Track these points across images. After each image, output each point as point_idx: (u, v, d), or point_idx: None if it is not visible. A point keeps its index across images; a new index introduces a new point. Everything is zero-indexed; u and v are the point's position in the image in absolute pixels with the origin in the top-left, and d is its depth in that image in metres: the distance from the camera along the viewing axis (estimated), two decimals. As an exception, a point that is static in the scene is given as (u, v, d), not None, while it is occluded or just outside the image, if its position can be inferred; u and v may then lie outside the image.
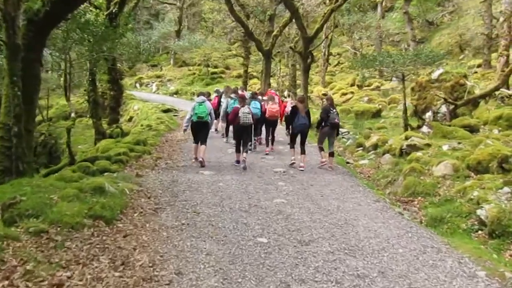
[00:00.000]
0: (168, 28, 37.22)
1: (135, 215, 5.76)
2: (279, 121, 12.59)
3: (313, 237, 5.46)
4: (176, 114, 21.90)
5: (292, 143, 10.15)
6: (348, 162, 12.38)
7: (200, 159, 9.60)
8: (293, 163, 10.01)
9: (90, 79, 18.15)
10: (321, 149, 10.22)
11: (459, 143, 10.62)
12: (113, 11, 17.62)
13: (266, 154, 11.58)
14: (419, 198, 8.53)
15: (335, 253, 4.96)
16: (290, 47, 22.11)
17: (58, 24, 10.03)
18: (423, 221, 7.37)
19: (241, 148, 9.70)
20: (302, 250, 4.97)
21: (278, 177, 9.03)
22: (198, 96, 10.42)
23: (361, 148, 14.10)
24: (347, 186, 8.63)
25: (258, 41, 23.91)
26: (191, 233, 5.28)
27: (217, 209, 6.43)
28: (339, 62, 37.95)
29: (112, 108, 20.17)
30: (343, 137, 15.91)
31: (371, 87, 29.35)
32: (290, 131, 10.39)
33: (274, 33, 24.24)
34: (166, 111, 22.22)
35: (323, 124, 9.92)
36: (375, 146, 13.44)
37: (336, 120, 9.84)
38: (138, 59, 41.95)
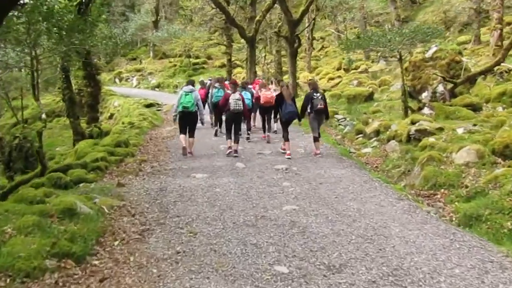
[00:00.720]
0: (144, 19, 35.35)
1: (116, 243, 4.47)
2: None
3: (343, 258, 4.27)
4: (159, 108, 20.46)
5: (285, 133, 9.49)
6: (350, 152, 11.22)
7: (189, 151, 9.47)
8: (289, 154, 9.42)
9: (63, 75, 16.59)
10: (316, 139, 9.68)
11: (474, 125, 9.54)
12: (83, 0, 16.03)
13: (266, 142, 11.40)
14: (442, 190, 7.40)
15: (379, 282, 3.78)
16: (275, 32, 20.80)
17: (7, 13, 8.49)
18: (454, 219, 6.26)
19: (232, 136, 9.33)
20: (335, 282, 3.77)
21: (281, 175, 7.81)
22: (186, 84, 9.84)
23: (361, 135, 12.96)
24: (360, 182, 7.46)
25: (241, 27, 22.46)
26: (189, 266, 4.01)
27: (217, 225, 5.17)
28: (323, 46, 36.70)
29: (90, 106, 18.58)
30: (339, 124, 14.76)
31: (359, 70, 28.21)
32: (280, 121, 10.02)
33: (257, 18, 22.81)
34: (149, 106, 20.76)
35: (308, 111, 9.40)
36: (377, 132, 12.32)
37: (319, 106, 9.20)
38: (116, 52, 40.07)
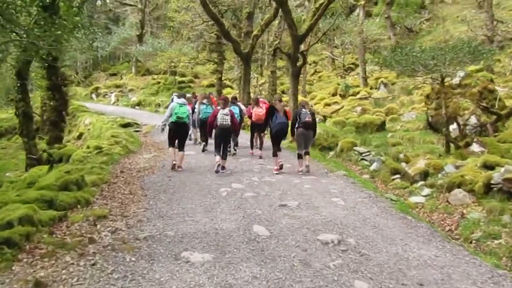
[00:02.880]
0: (128, 33, 31.79)
1: None
2: None
3: None
4: (138, 129, 16.78)
5: (274, 148, 8.99)
6: (391, 199, 7.81)
7: (179, 165, 8.91)
8: (277, 170, 8.87)
9: (18, 83, 12.84)
10: (300, 156, 8.98)
11: None
12: (48, -8, 12.48)
13: (259, 157, 10.70)
14: None
15: None
16: (277, 48, 17.57)
17: None
18: None
19: (220, 152, 8.72)
20: None
21: (339, 259, 4.29)
22: (178, 97, 9.41)
23: (398, 175, 9.65)
24: (463, 268, 4.08)
25: (236, 42, 19.25)
26: None
27: None
28: (316, 71, 33.85)
29: (53, 123, 14.78)
30: (362, 159, 11.44)
31: (358, 96, 25.29)
32: (270, 133, 9.35)
33: (254, 33, 19.68)
34: (126, 125, 17.07)
35: (296, 126, 8.83)
36: (424, 174, 9.06)
37: (307, 119, 8.71)
38: (96, 66, 36.30)
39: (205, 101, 11.75)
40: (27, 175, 12.30)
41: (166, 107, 19.43)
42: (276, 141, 8.97)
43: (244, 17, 20.56)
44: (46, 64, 13.84)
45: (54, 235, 4.54)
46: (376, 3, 35.68)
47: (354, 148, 12.21)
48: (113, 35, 32.56)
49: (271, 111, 8.95)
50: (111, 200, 6.36)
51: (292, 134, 9.01)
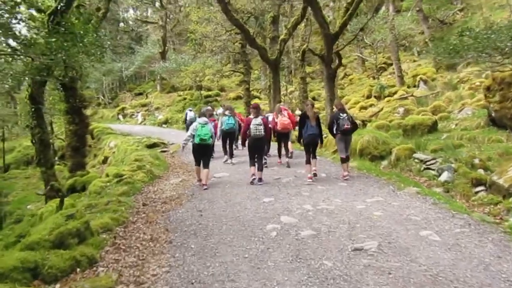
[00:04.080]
0: (151, 51, 30.76)
1: None
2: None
3: None
4: (165, 149, 15.26)
5: (307, 155, 8.34)
6: (484, 220, 5.75)
7: (204, 183, 8.27)
8: (311, 177, 8.19)
9: (32, 108, 11.56)
10: (343, 160, 8.51)
11: None
12: (58, 7, 11.22)
13: (287, 166, 10.16)
14: None
15: None
16: (305, 51, 15.74)
17: None
18: None
19: (255, 163, 8.18)
20: None
21: None
22: (199, 116, 8.83)
23: (482, 188, 7.56)
24: None
25: (263, 48, 17.58)
26: None
27: None
28: (346, 74, 31.75)
29: (74, 149, 13.44)
30: (427, 168, 9.39)
31: (395, 96, 23.07)
32: (301, 142, 8.65)
33: (282, 37, 17.96)
34: (152, 146, 15.61)
35: (334, 132, 8.48)
36: (522, 186, 6.96)
37: (346, 126, 8.27)
38: (120, 86, 35.52)
39: (227, 112, 11.12)
40: (27, 217, 11.01)
41: (184, 122, 18.18)
42: (308, 149, 8.34)
43: (268, 22, 18.90)
44: (61, 86, 12.58)
45: None
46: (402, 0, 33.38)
47: (414, 155, 10.17)
48: (136, 55, 31.64)
49: (302, 120, 8.33)
50: (125, 253, 4.67)
51: (333, 135, 8.78)
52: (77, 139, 13.40)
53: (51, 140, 18.92)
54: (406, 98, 22.00)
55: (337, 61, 15.31)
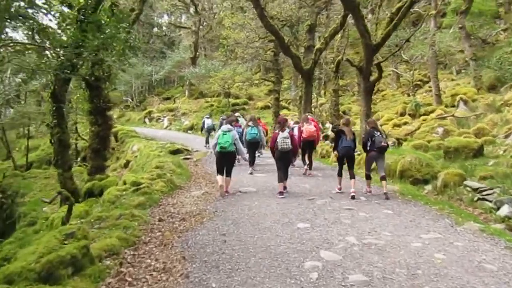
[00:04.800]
0: (182, 56, 30.29)
1: None
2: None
3: None
4: (188, 156, 14.43)
5: (339, 168, 8.46)
6: None
7: (226, 189, 8.18)
8: (340, 188, 8.30)
9: (53, 106, 10.93)
10: (368, 176, 8.35)
11: None
12: (88, 2, 10.64)
13: (307, 174, 10.36)
14: None
15: None
16: (346, 60, 14.70)
17: None
18: None
19: (283, 175, 8.07)
20: None
21: None
22: (222, 122, 9.50)
23: (557, 227, 6.30)
24: None
25: (297, 57, 16.63)
26: None
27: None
28: (378, 89, 30.36)
29: (95, 151, 12.77)
30: (483, 199, 8.14)
31: (434, 115, 21.62)
32: (336, 156, 8.56)
33: (317, 46, 16.98)
34: (175, 152, 14.81)
35: (368, 148, 8.15)
36: None
37: (383, 144, 8.00)
38: (149, 90, 35.28)
39: (250, 123, 11.17)
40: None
41: (201, 130, 18.05)
42: (341, 164, 8.43)
43: (304, 30, 17.95)
44: (86, 85, 11.96)
45: None
46: (444, 15, 31.84)
47: (465, 182, 8.92)
48: (167, 59, 31.26)
49: (338, 135, 8.33)
50: (130, 289, 3.72)
51: (366, 152, 8.41)
52: (99, 141, 12.73)
53: (74, 141, 18.47)
54: (444, 118, 20.53)
55: (376, 74, 14.16)
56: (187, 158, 14.05)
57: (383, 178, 8.13)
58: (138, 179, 8.59)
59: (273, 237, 5.29)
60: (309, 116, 11.23)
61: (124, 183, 8.75)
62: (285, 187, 8.19)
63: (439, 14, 28.03)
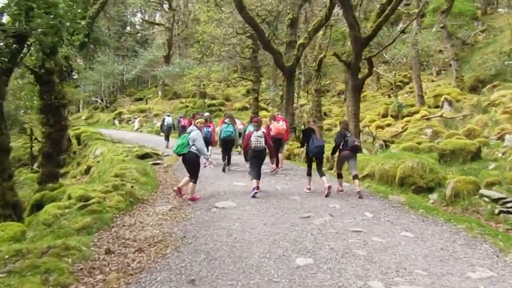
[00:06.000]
0: (155, 54, 28.20)
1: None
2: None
3: None
4: (158, 161, 12.56)
5: (308, 169, 8.17)
6: None
7: (183, 193, 7.52)
8: (309, 188, 8.06)
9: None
10: (340, 175, 8.17)
11: None
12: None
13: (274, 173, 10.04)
14: None
15: None
16: (334, 54, 13.19)
17: None
18: None
19: (256, 174, 7.72)
20: None
21: None
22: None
23: None
24: None
25: (279, 53, 15.04)
26: None
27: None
28: (359, 90, 29.15)
29: (46, 156, 10.75)
30: (507, 212, 6.70)
31: (419, 116, 20.50)
32: (305, 156, 8.66)
33: (301, 41, 15.43)
34: (143, 156, 12.92)
35: (341, 148, 7.99)
36: None
37: (356, 143, 7.96)
38: (121, 90, 32.99)
39: (226, 120, 10.71)
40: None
41: (161, 127, 17.63)
42: (311, 164, 8.17)
43: (286, 24, 16.37)
44: (34, 76, 9.93)
45: None
46: (423, 15, 31.03)
47: (480, 191, 7.48)
48: (140, 58, 29.11)
49: (307, 134, 8.17)
50: None
51: (333, 153, 8.58)
52: (51, 144, 10.73)
53: (27, 144, 16.25)
54: (429, 119, 19.39)
55: (368, 69, 12.72)
56: (157, 164, 12.18)
57: (355, 177, 7.98)
58: (87, 192, 6.71)
59: (264, 283, 3.58)
60: (278, 115, 11.06)
61: (69, 197, 6.84)
62: (258, 187, 7.70)
63: (419, 14, 27.12)
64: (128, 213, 6.42)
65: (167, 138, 16.25)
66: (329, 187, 7.53)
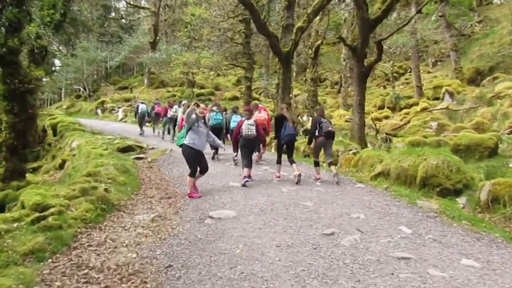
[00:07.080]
0: (140, 40, 26.34)
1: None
2: None
3: None
4: (141, 155, 11.00)
5: (278, 157, 8.14)
6: None
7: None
8: (279, 176, 7.98)
9: None
10: (317, 163, 8.11)
11: None
12: None
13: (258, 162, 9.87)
14: None
15: None
16: (340, 38, 11.78)
17: None
18: None
19: (247, 162, 7.57)
20: None
21: None
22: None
23: None
24: None
25: (275, 37, 13.52)
26: None
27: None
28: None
29: (10, 150, 9.11)
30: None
31: (417, 108, 19.34)
32: (276, 143, 8.49)
33: (298, 25, 13.93)
34: (125, 150, 11.36)
35: (316, 134, 7.96)
36: None
37: (330, 128, 7.92)
38: (105, 78, 30.99)
39: (214, 108, 10.68)
40: None
41: (135, 114, 17.19)
42: (281, 151, 8.11)
43: (282, 6, 14.84)
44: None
45: None
46: (419, 4, 29.79)
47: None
48: (124, 44, 27.18)
49: (280, 121, 8.02)
50: None
51: (309, 143, 8.36)
52: (16, 136, 9.08)
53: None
54: (430, 111, 18.19)
55: (377, 55, 11.34)
56: (140, 158, 10.63)
57: (331, 164, 7.98)
58: (45, 198, 5.18)
59: None
60: (259, 105, 10.98)
61: (23, 206, 5.30)
62: (249, 176, 7.54)
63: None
64: (97, 226, 4.93)
65: (140, 125, 15.91)
66: (299, 175, 7.44)
